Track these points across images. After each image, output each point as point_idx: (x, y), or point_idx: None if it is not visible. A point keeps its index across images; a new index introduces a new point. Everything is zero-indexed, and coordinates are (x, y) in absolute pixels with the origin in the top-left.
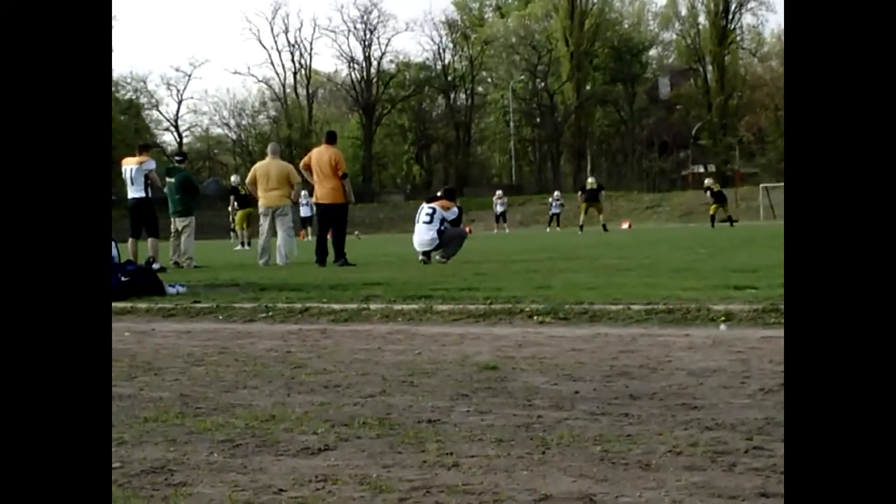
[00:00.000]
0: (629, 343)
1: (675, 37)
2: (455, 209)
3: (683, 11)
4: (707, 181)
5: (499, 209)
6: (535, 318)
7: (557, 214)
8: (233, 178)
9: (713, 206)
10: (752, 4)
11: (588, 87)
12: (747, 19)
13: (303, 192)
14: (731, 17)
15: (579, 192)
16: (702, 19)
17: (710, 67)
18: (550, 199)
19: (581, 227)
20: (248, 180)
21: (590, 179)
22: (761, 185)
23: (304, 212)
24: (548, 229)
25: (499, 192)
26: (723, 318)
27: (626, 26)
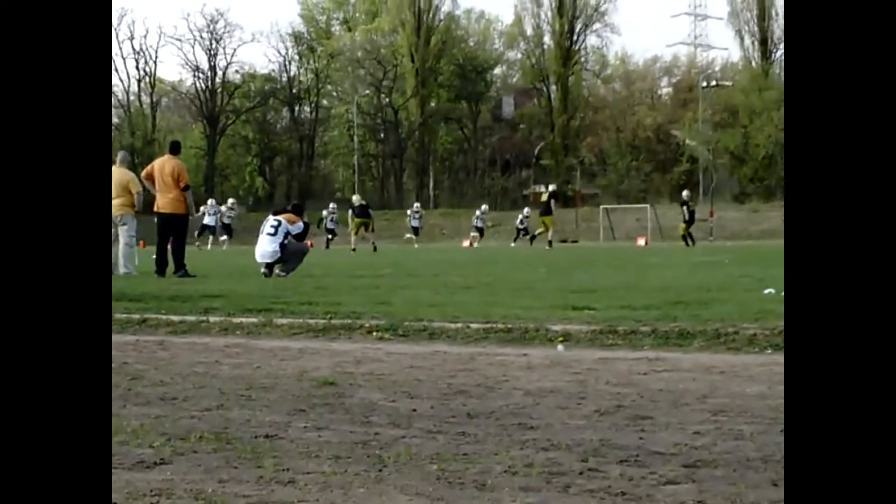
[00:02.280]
0: (467, 361)
1: (519, 56)
2: (301, 224)
3: (529, 31)
4: (685, 194)
5: (414, 223)
6: (375, 334)
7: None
8: None
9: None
10: (596, 26)
11: (433, 104)
12: (592, 41)
13: (209, 201)
14: (575, 38)
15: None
16: (547, 39)
17: (553, 88)
18: (409, 212)
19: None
20: None
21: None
22: (602, 206)
23: (209, 220)
24: (416, 244)
25: (416, 206)
26: (560, 339)
27: (472, 44)
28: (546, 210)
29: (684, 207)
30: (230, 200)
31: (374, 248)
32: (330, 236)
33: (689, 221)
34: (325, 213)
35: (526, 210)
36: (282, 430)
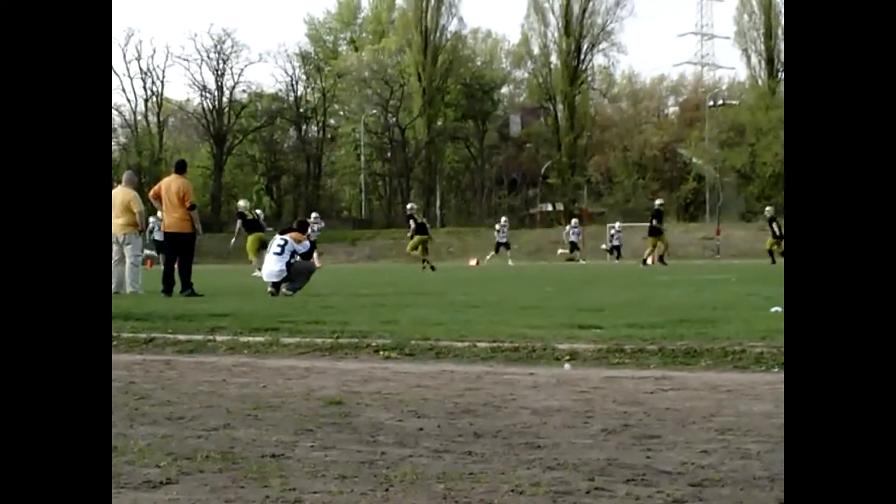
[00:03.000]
0: (474, 380)
1: (527, 75)
2: (307, 242)
3: (536, 51)
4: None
5: (501, 238)
6: (381, 353)
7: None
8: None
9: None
10: (603, 46)
11: (439, 123)
12: (598, 60)
13: (314, 214)
14: (582, 57)
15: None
16: (554, 59)
17: (560, 107)
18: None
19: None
20: None
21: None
22: (608, 225)
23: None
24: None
25: (503, 219)
26: (567, 358)
27: (479, 63)
28: (653, 230)
29: (773, 224)
30: (314, 214)
31: (432, 268)
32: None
33: (779, 237)
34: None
35: (617, 225)
36: (288, 449)
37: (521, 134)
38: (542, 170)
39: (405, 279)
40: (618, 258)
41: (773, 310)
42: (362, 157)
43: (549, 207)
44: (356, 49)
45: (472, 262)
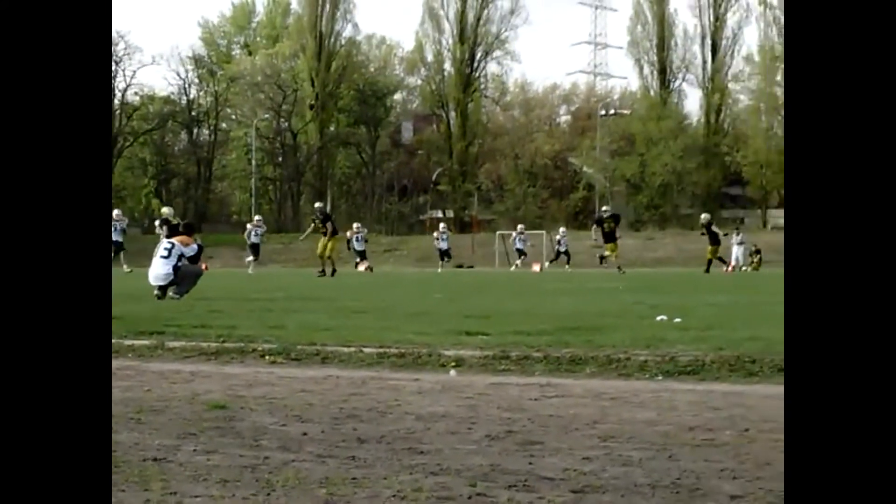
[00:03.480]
0: (359, 386)
1: (420, 82)
2: (195, 246)
3: (430, 58)
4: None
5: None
6: (267, 357)
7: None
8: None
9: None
10: (497, 54)
11: (332, 128)
12: (492, 68)
13: (257, 218)
14: (476, 65)
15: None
16: (447, 66)
17: (453, 114)
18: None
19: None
20: None
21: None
22: (498, 232)
23: (359, 246)
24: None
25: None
26: (453, 364)
27: (373, 69)
28: (609, 237)
29: (711, 229)
30: (256, 217)
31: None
32: (359, 259)
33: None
34: (349, 233)
35: (562, 230)
36: (170, 453)
37: (413, 140)
38: (434, 176)
39: (295, 284)
40: (567, 263)
41: (659, 318)
42: (253, 162)
43: (440, 214)
44: (250, 53)
45: (361, 268)
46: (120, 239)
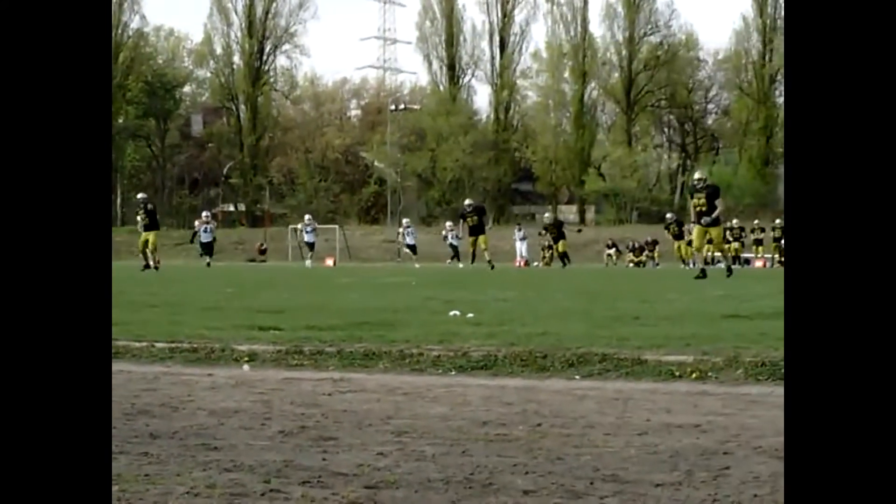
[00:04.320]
0: (151, 381)
1: (209, 75)
2: None
3: (219, 50)
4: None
5: (308, 238)
6: None
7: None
8: None
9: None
10: (286, 47)
11: (120, 121)
12: (281, 61)
13: (307, 217)
14: (265, 58)
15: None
16: (237, 59)
17: (243, 107)
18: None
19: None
20: None
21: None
22: (290, 227)
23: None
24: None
25: (308, 217)
26: (246, 359)
27: (161, 62)
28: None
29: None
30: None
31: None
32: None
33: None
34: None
35: (449, 224)
36: None
37: (204, 134)
38: (225, 170)
39: None
40: (455, 258)
41: (452, 313)
42: None
43: (231, 207)
44: None
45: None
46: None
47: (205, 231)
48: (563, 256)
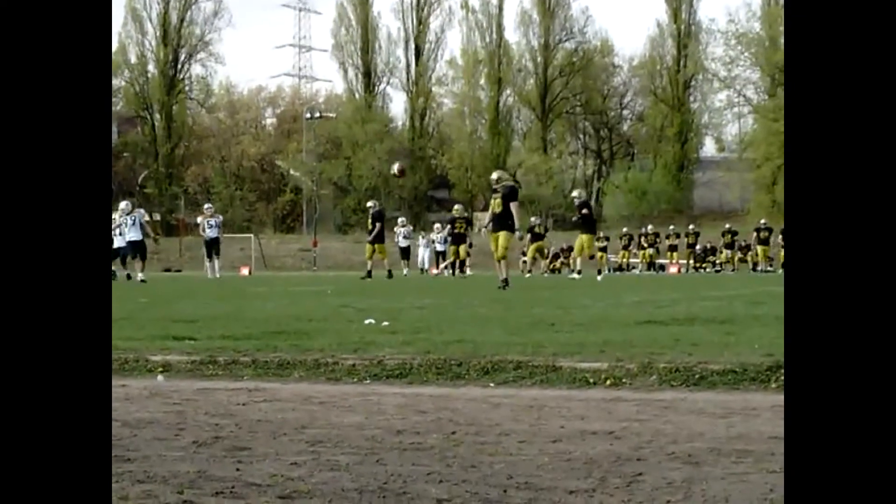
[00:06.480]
0: None
1: (123, 84)
2: None
3: (133, 59)
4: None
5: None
6: None
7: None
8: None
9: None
10: (201, 56)
11: None
12: (196, 70)
13: (207, 206)
14: (180, 67)
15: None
16: (151, 68)
17: (157, 116)
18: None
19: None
20: None
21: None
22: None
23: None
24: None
25: (402, 220)
26: (160, 370)
27: None
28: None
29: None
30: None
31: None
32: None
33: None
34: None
35: (402, 219)
36: None
37: (118, 143)
38: (140, 179)
39: None
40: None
41: (367, 322)
42: None
43: (146, 218)
44: None
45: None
46: None
47: (209, 226)
48: (462, 265)
